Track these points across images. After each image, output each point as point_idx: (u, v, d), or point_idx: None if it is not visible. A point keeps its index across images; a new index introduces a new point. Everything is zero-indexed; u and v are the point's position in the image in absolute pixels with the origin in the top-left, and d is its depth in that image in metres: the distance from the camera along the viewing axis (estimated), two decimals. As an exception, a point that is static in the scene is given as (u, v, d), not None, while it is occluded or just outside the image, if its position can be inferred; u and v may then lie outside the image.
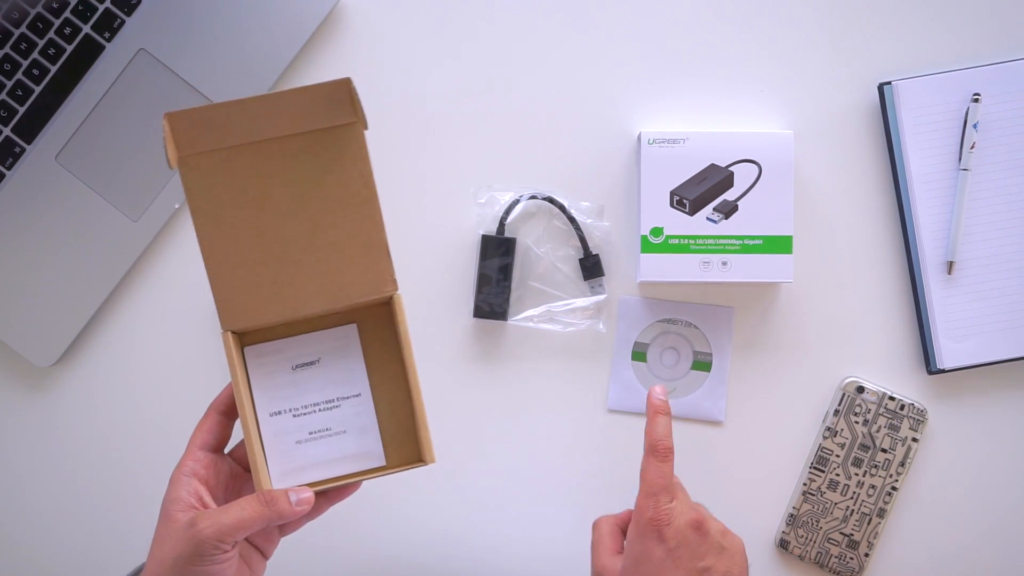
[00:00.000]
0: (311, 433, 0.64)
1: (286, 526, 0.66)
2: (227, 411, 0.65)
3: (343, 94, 0.61)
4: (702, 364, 0.81)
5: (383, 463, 0.65)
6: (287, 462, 0.64)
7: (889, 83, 0.79)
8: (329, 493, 0.65)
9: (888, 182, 0.80)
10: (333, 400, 0.65)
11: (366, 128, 0.62)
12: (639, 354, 0.81)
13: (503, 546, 0.82)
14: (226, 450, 0.66)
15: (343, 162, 0.62)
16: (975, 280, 0.78)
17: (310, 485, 0.63)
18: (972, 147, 0.78)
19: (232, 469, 0.65)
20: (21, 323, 0.81)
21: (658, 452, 0.69)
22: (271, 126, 0.61)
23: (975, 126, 0.78)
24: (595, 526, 0.73)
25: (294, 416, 0.64)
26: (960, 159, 0.78)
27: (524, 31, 0.81)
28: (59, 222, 0.81)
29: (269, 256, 0.62)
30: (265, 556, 0.65)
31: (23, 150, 0.80)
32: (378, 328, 0.65)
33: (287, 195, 0.62)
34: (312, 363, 0.65)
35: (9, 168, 0.80)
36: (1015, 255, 0.78)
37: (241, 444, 0.65)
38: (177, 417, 0.82)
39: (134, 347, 0.82)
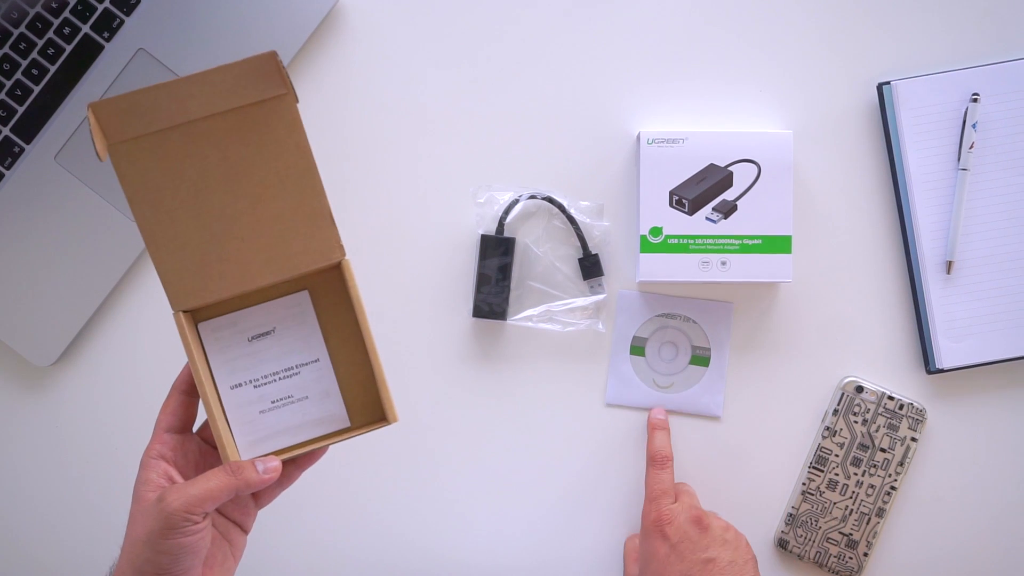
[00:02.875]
0: (273, 402, 0.65)
1: (261, 497, 0.66)
2: (189, 389, 0.65)
3: (270, 66, 0.60)
4: (700, 359, 0.81)
5: (348, 425, 0.65)
6: (253, 432, 0.64)
7: (888, 83, 0.79)
8: (298, 459, 0.65)
9: (887, 182, 0.80)
10: (292, 368, 0.65)
11: (297, 100, 0.62)
12: (638, 348, 0.81)
13: (504, 540, 0.82)
14: (194, 430, 0.67)
15: (277, 135, 0.62)
16: (974, 280, 0.79)
17: (277, 453, 0.64)
18: (971, 147, 0.78)
19: (200, 448, 0.65)
20: (21, 323, 0.81)
21: (657, 462, 0.76)
22: (199, 105, 0.61)
23: (974, 126, 0.78)
24: (624, 544, 0.79)
25: (255, 387, 0.65)
26: (959, 159, 0.78)
27: (524, 31, 0.81)
28: (59, 222, 0.81)
29: (212, 235, 0.62)
30: (244, 530, 0.66)
31: (22, 150, 0.80)
32: (330, 293, 0.65)
33: (224, 173, 0.62)
34: (267, 333, 0.65)
35: (8, 168, 0.80)
36: (1014, 255, 0.78)
37: (207, 423, 0.66)
38: (177, 416, 0.82)
39: (133, 347, 0.82)
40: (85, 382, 0.82)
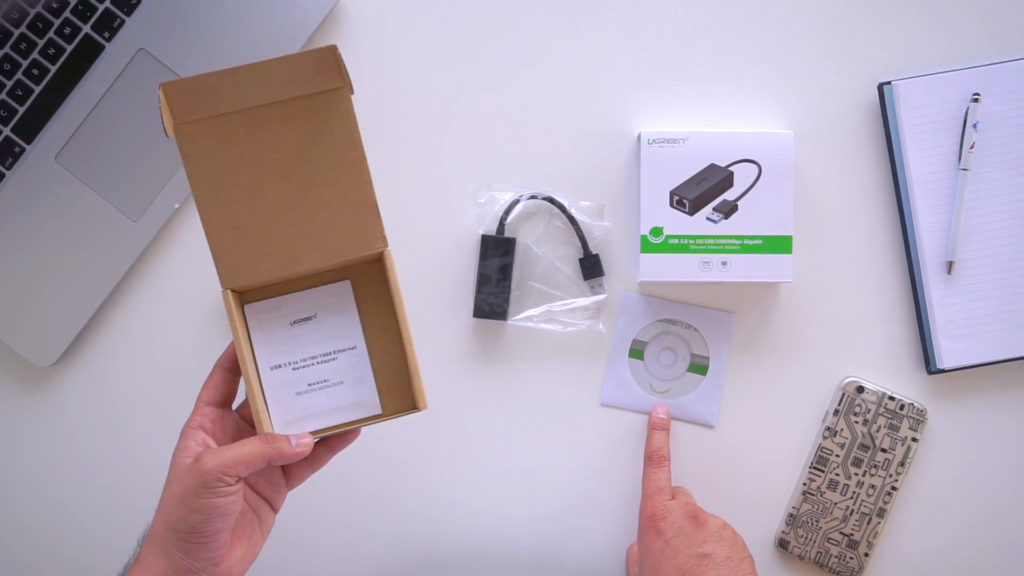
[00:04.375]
0: (310, 385, 0.67)
1: (292, 477, 0.68)
2: (231, 367, 0.67)
3: (330, 60, 0.63)
4: (699, 367, 0.81)
5: (379, 411, 0.67)
6: (288, 412, 0.67)
7: (889, 83, 0.79)
8: (330, 442, 0.67)
9: (888, 182, 0.80)
10: (330, 353, 0.67)
11: (352, 92, 0.64)
12: (637, 351, 0.81)
13: (501, 539, 0.82)
14: (233, 407, 0.68)
15: (332, 126, 0.64)
16: (975, 280, 0.79)
17: (311, 433, 0.66)
18: (972, 147, 0.78)
19: (238, 423, 0.67)
20: (21, 323, 0.81)
21: (654, 461, 0.76)
22: (262, 93, 0.64)
23: (975, 126, 0.78)
24: (627, 552, 0.80)
25: (293, 369, 0.67)
26: (960, 159, 0.78)
27: (524, 31, 0.81)
28: (59, 222, 0.81)
29: (264, 218, 0.65)
30: (274, 508, 0.67)
31: (23, 150, 0.80)
32: (371, 284, 0.68)
33: (279, 159, 0.64)
34: (309, 318, 0.67)
35: (9, 168, 0.80)
36: (1015, 255, 0.78)
37: (246, 402, 0.68)
38: (177, 416, 0.82)
39: (134, 347, 0.82)
40: (86, 382, 0.82)
